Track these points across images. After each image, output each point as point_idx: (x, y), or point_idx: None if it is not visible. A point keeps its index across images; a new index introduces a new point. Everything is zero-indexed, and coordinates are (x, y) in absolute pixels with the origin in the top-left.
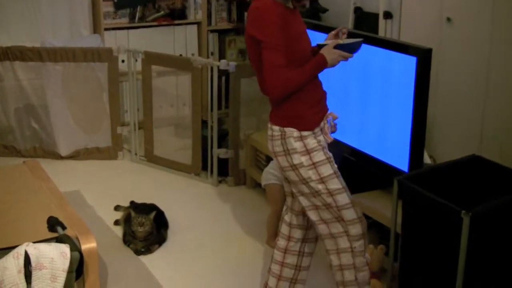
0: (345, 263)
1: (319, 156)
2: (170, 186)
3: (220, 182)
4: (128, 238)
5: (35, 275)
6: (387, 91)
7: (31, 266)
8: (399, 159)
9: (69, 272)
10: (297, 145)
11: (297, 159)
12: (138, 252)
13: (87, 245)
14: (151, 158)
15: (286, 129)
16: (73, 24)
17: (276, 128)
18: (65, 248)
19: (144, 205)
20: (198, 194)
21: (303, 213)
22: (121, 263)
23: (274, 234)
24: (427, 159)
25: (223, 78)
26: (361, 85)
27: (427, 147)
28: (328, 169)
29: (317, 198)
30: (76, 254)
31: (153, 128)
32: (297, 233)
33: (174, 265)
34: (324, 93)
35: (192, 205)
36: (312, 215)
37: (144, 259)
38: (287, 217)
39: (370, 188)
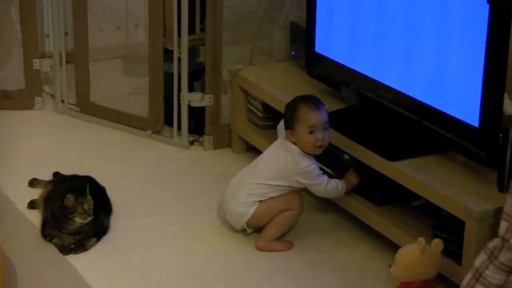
0: None
1: None
2: (115, 150)
3: (192, 143)
4: (49, 231)
5: None
6: (446, 4)
7: None
8: (465, 106)
9: None
10: None
11: None
12: (65, 250)
13: None
14: (86, 107)
15: None
16: None
17: None
18: None
19: (75, 178)
20: (157, 161)
21: None
22: (38, 266)
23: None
24: (508, 107)
25: None
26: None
27: (508, 88)
28: None
29: None
30: None
31: (89, 62)
32: None
33: (119, 269)
34: None
35: (149, 178)
36: None
37: (74, 260)
38: None
39: (419, 153)
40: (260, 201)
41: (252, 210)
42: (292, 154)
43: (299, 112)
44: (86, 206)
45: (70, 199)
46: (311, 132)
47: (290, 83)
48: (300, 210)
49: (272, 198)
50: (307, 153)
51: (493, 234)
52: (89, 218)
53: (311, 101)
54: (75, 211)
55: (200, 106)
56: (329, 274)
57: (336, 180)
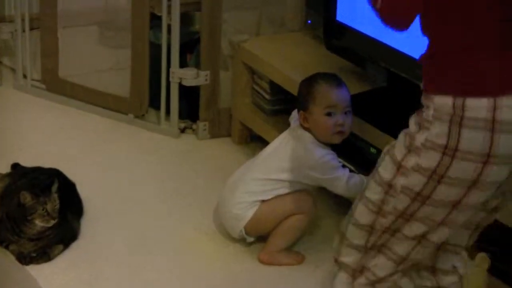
0: None
1: None
2: (88, 138)
3: (183, 130)
4: (6, 235)
5: None
6: None
7: None
8: None
9: None
10: None
11: None
12: (25, 259)
13: None
14: (54, 84)
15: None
16: None
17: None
18: None
19: (38, 171)
20: (140, 152)
21: None
22: None
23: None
24: None
25: None
26: None
27: None
28: None
29: None
30: None
31: (58, 29)
32: None
33: (89, 284)
34: None
35: (129, 173)
36: None
37: (36, 271)
38: None
39: None
40: (262, 201)
41: (251, 212)
42: (303, 143)
43: (316, 88)
44: (49, 207)
45: (26, 197)
46: (329, 114)
47: (305, 58)
48: (312, 215)
49: (277, 197)
50: (323, 142)
51: None
52: (53, 222)
53: (332, 77)
54: (34, 212)
55: (194, 86)
56: None
57: (361, 175)
